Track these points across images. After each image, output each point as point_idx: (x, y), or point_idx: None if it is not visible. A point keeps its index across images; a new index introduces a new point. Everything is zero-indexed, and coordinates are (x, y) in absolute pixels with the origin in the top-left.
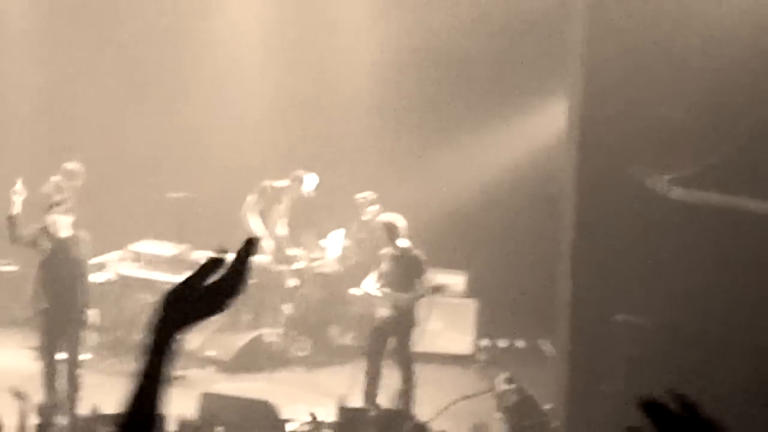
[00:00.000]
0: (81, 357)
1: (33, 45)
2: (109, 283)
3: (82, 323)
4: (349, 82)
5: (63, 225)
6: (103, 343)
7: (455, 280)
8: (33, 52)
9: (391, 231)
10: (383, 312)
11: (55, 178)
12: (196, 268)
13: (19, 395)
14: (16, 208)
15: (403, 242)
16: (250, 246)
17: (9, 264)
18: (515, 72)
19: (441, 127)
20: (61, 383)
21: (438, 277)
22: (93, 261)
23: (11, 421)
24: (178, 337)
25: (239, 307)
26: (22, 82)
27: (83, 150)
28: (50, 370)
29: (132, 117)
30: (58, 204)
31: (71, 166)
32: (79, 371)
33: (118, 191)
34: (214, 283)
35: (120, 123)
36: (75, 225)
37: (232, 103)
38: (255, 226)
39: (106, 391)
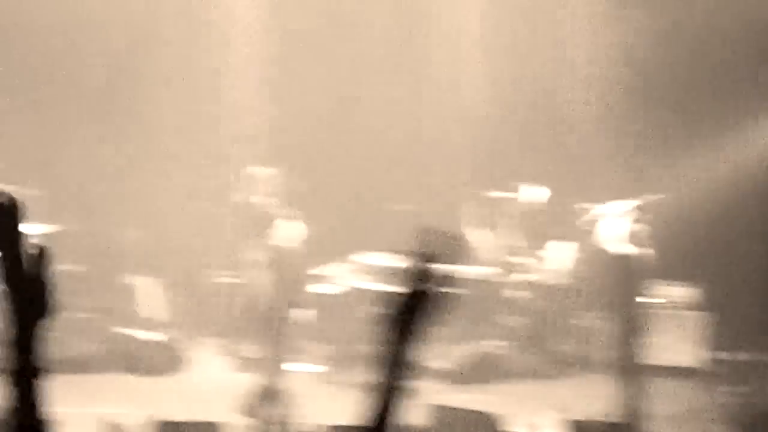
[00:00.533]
0: (315, 369)
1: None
2: (333, 294)
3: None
4: (570, 92)
5: (286, 234)
6: (333, 356)
7: (687, 292)
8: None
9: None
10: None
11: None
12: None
13: (252, 412)
14: None
15: (629, 248)
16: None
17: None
18: (746, 78)
19: (671, 136)
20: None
21: (670, 288)
22: (316, 272)
23: None
24: (407, 348)
25: (464, 317)
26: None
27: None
28: (271, 382)
29: (350, 129)
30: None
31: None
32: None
33: (340, 202)
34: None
35: (339, 134)
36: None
37: (453, 113)
38: (477, 237)
39: (339, 403)
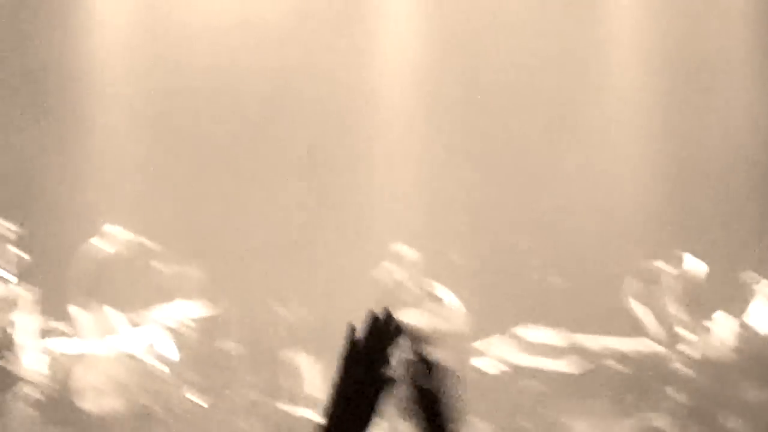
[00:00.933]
0: None
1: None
2: (492, 368)
3: None
4: (725, 155)
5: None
6: None
7: None
8: None
9: None
10: None
11: None
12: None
13: None
14: None
15: None
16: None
17: None
18: None
19: None
20: None
21: None
22: (476, 344)
23: None
24: None
25: (625, 390)
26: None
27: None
28: None
29: (505, 199)
30: None
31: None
32: None
33: (499, 277)
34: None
35: (494, 206)
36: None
37: (608, 180)
38: (637, 310)
39: None
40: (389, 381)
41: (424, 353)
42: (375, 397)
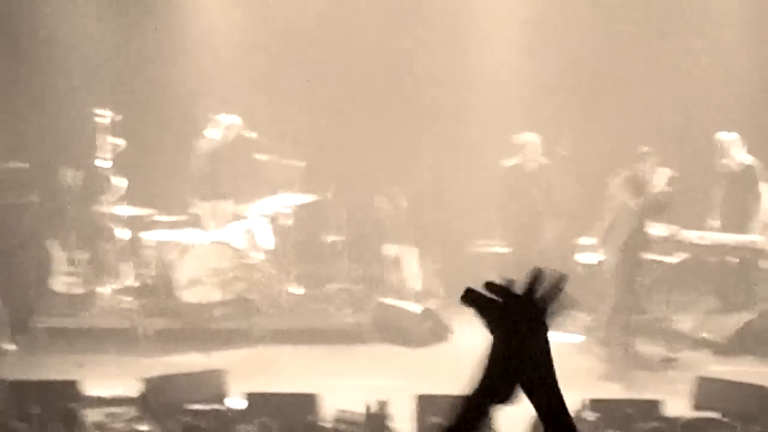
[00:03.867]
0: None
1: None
2: (599, 263)
3: None
4: None
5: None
6: (592, 327)
7: None
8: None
9: None
10: None
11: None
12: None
13: None
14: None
15: None
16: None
17: (501, 245)
18: None
19: None
20: None
21: None
22: (582, 241)
23: None
24: None
25: (733, 287)
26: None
27: None
28: None
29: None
30: None
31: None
32: None
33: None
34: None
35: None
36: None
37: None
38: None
39: (593, 375)
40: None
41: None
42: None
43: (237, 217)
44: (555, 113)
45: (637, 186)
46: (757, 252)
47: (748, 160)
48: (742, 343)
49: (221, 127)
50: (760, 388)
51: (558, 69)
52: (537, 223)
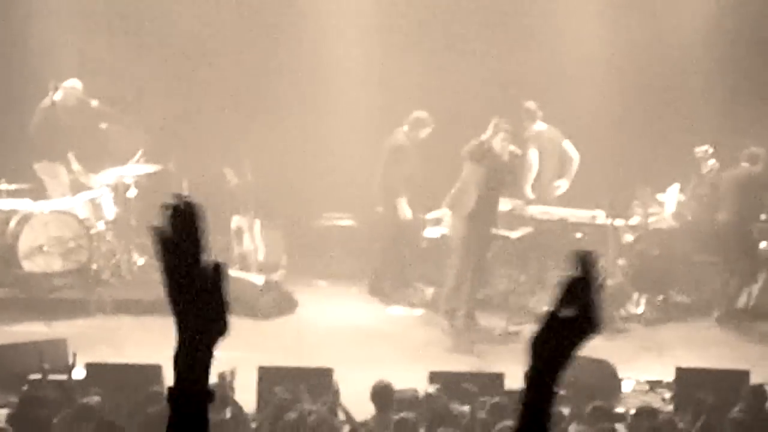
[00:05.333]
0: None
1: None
2: (442, 237)
3: None
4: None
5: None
6: (435, 300)
7: None
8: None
9: None
10: None
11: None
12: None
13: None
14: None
15: None
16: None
17: (346, 218)
18: None
19: None
20: None
21: None
22: (430, 216)
23: None
24: None
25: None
26: None
27: None
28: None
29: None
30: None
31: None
32: None
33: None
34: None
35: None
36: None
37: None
38: None
39: (436, 348)
40: (217, 265)
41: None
42: (212, 285)
43: (80, 186)
44: (411, 89)
45: (481, 152)
46: (599, 227)
47: (543, 126)
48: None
49: (62, 90)
50: (600, 361)
51: (410, 44)
52: (386, 198)
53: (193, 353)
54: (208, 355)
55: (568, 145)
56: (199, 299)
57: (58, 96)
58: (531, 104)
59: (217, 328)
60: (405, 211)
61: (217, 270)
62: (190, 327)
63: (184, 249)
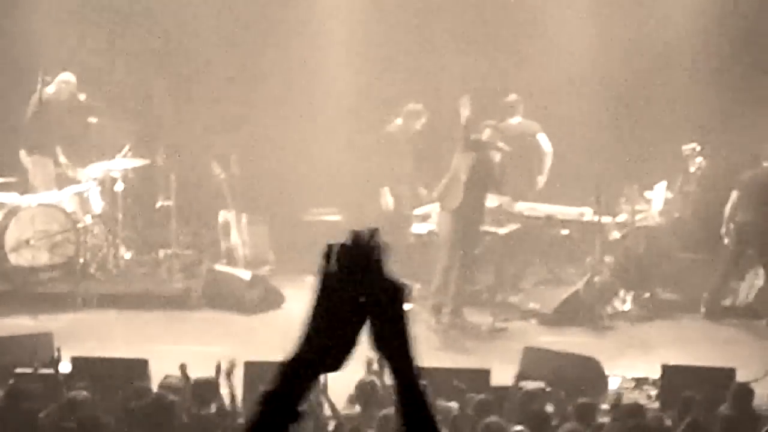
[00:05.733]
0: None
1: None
2: (429, 233)
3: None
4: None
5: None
6: (422, 296)
7: None
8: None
9: None
10: None
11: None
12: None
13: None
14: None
15: None
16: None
17: (333, 214)
18: None
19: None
20: None
21: None
22: (417, 212)
23: None
24: None
25: (562, 259)
26: None
27: None
28: None
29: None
30: None
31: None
32: None
33: None
34: None
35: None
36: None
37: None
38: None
39: (422, 344)
40: (371, 307)
41: (374, 265)
42: (355, 324)
43: (67, 180)
44: (398, 84)
45: (465, 136)
46: (586, 224)
47: (517, 120)
48: (568, 314)
49: (54, 84)
50: (586, 358)
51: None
52: (373, 193)
53: (300, 372)
54: (311, 380)
55: (542, 139)
56: (335, 333)
57: (51, 89)
58: (512, 97)
59: (333, 364)
60: (387, 200)
61: (363, 316)
62: (314, 349)
63: (352, 285)
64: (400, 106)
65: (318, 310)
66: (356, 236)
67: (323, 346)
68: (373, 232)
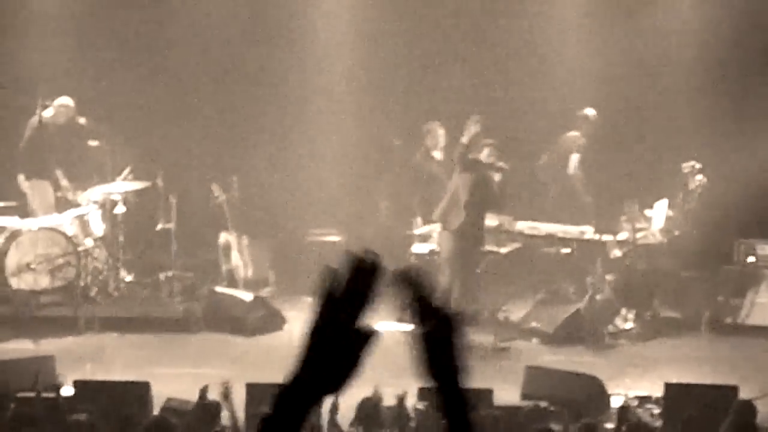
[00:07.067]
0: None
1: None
2: (431, 253)
3: None
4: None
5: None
6: None
7: None
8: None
9: None
10: None
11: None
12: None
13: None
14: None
15: None
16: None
17: (334, 235)
18: None
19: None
20: None
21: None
22: (418, 231)
23: None
24: None
25: (563, 278)
26: None
27: None
28: None
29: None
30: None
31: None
32: None
33: None
34: None
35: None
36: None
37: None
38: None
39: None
40: (371, 332)
41: (426, 297)
42: (356, 348)
43: (68, 203)
44: (399, 108)
45: (462, 154)
46: (587, 243)
47: None
48: (570, 333)
49: (52, 107)
50: (589, 377)
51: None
52: (373, 214)
53: (299, 395)
54: (311, 403)
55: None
56: (336, 357)
57: (48, 113)
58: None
59: (334, 387)
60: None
61: (367, 338)
62: (312, 372)
63: (350, 307)
64: (403, 128)
65: (316, 333)
66: (354, 258)
67: (323, 369)
68: (373, 255)
